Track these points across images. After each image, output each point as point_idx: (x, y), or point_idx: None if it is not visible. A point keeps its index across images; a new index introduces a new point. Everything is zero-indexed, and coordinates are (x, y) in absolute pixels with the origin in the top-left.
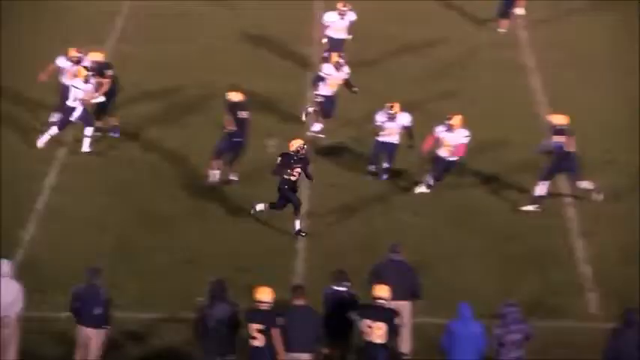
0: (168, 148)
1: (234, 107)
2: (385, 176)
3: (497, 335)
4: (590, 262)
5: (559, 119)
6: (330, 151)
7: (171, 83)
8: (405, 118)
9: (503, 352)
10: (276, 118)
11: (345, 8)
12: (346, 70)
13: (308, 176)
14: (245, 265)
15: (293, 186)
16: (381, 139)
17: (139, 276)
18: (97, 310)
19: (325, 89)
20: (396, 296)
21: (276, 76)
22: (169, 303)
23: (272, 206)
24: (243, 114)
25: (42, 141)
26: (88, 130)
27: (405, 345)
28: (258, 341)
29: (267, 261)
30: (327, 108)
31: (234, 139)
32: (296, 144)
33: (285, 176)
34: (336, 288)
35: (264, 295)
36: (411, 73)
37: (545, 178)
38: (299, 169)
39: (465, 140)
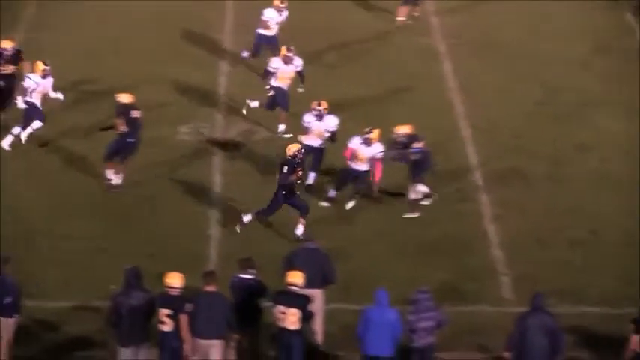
0: (82, 135)
1: (124, 108)
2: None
3: (410, 321)
4: (503, 246)
5: (405, 129)
6: (246, 141)
7: (85, 71)
8: (331, 121)
9: (415, 339)
10: (189, 104)
11: (282, 5)
12: (297, 62)
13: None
14: (159, 253)
15: (293, 190)
16: (306, 141)
17: (54, 264)
18: (7, 299)
19: (276, 83)
20: (309, 284)
21: (189, 63)
22: (83, 291)
23: (261, 213)
24: (134, 114)
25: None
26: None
27: (317, 333)
28: (167, 326)
29: (181, 248)
30: (280, 102)
31: (128, 140)
32: (293, 149)
33: (291, 181)
34: (242, 276)
35: (174, 280)
36: (326, 60)
37: (415, 182)
38: (300, 172)
39: (379, 156)
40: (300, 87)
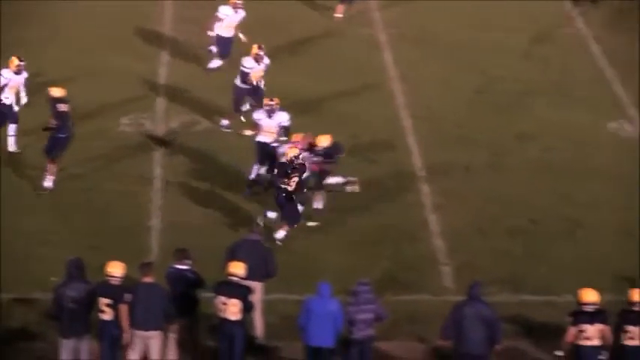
0: (21, 130)
1: (55, 102)
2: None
3: (349, 313)
4: (443, 236)
5: (325, 141)
6: (188, 134)
7: (24, 62)
8: (282, 117)
9: (354, 330)
10: (130, 96)
11: (239, 1)
12: (266, 61)
13: (303, 186)
14: (100, 244)
15: (290, 196)
16: (258, 138)
17: None
18: None
19: (248, 83)
20: (250, 275)
21: (129, 55)
22: (24, 283)
23: (291, 224)
24: (61, 107)
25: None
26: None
27: (257, 325)
28: (107, 315)
29: (121, 240)
30: (255, 98)
31: (59, 135)
32: (290, 153)
33: (282, 186)
34: (177, 266)
35: (115, 269)
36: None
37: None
38: (296, 179)
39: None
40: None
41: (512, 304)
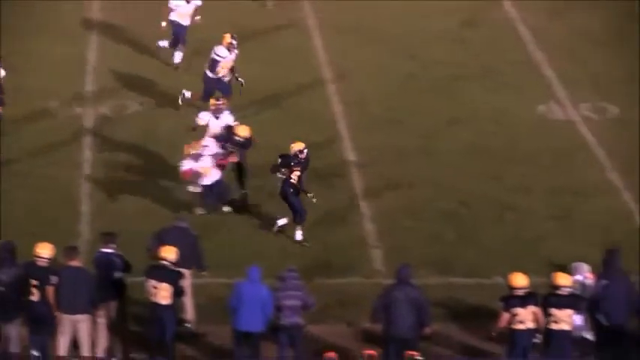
0: None
1: None
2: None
3: (276, 298)
4: (374, 219)
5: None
6: (117, 116)
7: None
8: (228, 118)
9: (281, 317)
10: (59, 80)
11: None
12: (236, 52)
13: (301, 186)
14: (31, 229)
15: (296, 190)
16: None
17: None
18: None
19: (220, 72)
20: (176, 262)
21: (58, 38)
22: None
23: (297, 221)
24: None
25: None
26: None
27: (187, 309)
28: (34, 296)
29: (52, 225)
30: (224, 89)
31: None
32: (296, 147)
33: (283, 176)
34: (103, 250)
35: (44, 250)
36: (198, 37)
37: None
38: (298, 173)
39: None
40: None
41: (442, 286)
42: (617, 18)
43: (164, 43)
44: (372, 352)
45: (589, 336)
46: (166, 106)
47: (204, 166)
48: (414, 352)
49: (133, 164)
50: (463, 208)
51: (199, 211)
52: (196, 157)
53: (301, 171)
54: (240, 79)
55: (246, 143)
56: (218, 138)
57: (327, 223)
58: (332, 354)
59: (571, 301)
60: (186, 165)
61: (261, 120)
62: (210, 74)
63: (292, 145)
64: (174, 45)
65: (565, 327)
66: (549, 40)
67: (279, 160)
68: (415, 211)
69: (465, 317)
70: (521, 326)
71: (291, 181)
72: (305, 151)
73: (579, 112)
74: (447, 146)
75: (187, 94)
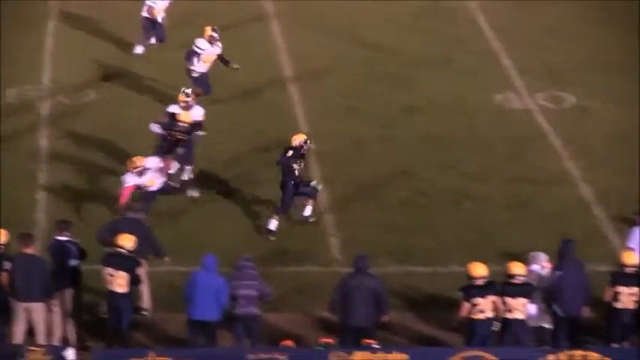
0: None
1: None
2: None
3: (232, 288)
4: (332, 208)
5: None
6: (74, 104)
7: None
8: (198, 112)
9: (236, 306)
10: (16, 67)
11: None
12: (220, 44)
13: (302, 179)
14: None
15: (298, 181)
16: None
17: None
18: None
19: (200, 65)
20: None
21: (16, 24)
22: None
23: (280, 211)
24: None
25: None
26: None
27: (144, 297)
28: None
29: (9, 213)
30: (203, 84)
31: None
32: (298, 139)
33: (289, 168)
34: (58, 238)
35: None
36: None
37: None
38: (302, 164)
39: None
40: (235, 66)
41: (400, 275)
42: (573, 8)
43: (140, 50)
44: (329, 340)
45: (546, 325)
46: (126, 96)
47: (149, 179)
48: (371, 341)
49: (89, 152)
50: (420, 197)
51: (193, 193)
52: (140, 173)
53: (304, 162)
54: (234, 65)
55: (190, 129)
56: (163, 125)
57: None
58: (289, 342)
59: (525, 290)
60: (130, 181)
61: (219, 110)
62: (192, 67)
63: (295, 137)
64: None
65: (519, 316)
66: (507, 30)
67: (291, 152)
68: (373, 200)
69: (423, 306)
70: (480, 316)
71: (295, 172)
72: (308, 142)
73: (536, 101)
74: (404, 134)
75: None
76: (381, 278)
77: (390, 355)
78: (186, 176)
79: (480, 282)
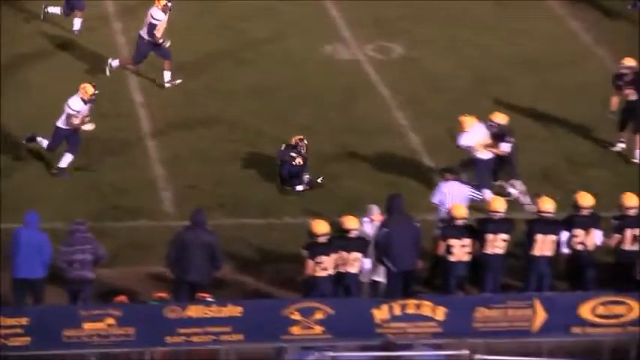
0: None
1: None
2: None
3: (64, 253)
4: (163, 161)
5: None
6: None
7: None
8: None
9: (70, 270)
10: None
11: None
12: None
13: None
14: None
15: (296, 174)
16: (63, 125)
17: None
18: None
19: (154, 36)
20: None
21: None
22: None
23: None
24: None
25: None
26: None
27: None
28: None
29: None
30: (162, 52)
31: None
32: (296, 137)
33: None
34: None
35: None
36: None
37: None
38: (299, 160)
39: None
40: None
41: (233, 227)
42: None
43: (55, 9)
44: (163, 294)
45: (380, 279)
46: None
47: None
48: (205, 294)
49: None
50: (251, 149)
51: None
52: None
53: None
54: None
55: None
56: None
57: (115, 166)
58: (123, 297)
59: (359, 244)
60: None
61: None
62: (146, 37)
63: (294, 138)
64: (68, 12)
65: (352, 270)
66: None
67: (284, 148)
68: (203, 153)
69: (257, 259)
70: (323, 273)
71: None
72: (304, 141)
73: (365, 52)
74: (233, 87)
75: (114, 62)
76: (214, 231)
77: (224, 309)
78: None
79: (323, 239)
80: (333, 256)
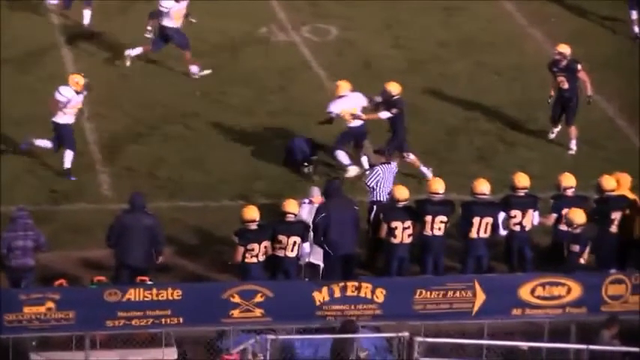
0: None
1: None
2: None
3: (5, 239)
4: (100, 143)
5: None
6: None
7: None
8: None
9: (11, 257)
10: None
11: None
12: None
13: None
14: None
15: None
16: (60, 120)
17: None
18: None
19: (171, 22)
20: None
21: None
22: None
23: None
24: None
25: None
26: None
27: None
28: None
29: None
30: (179, 41)
31: None
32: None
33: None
34: None
35: None
36: None
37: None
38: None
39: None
40: (192, 18)
41: (171, 210)
42: None
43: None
44: (102, 278)
45: (318, 262)
46: None
47: None
48: (145, 277)
49: None
50: (187, 131)
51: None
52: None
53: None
54: (192, 19)
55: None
56: None
57: (48, 152)
58: (62, 281)
59: (297, 228)
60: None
61: None
62: (166, 24)
63: None
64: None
65: (290, 254)
66: None
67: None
68: (140, 135)
69: (195, 243)
70: (254, 260)
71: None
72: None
73: (300, 33)
74: (169, 68)
75: (133, 52)
76: (155, 215)
77: (164, 292)
78: None
79: (253, 226)
80: (265, 243)
